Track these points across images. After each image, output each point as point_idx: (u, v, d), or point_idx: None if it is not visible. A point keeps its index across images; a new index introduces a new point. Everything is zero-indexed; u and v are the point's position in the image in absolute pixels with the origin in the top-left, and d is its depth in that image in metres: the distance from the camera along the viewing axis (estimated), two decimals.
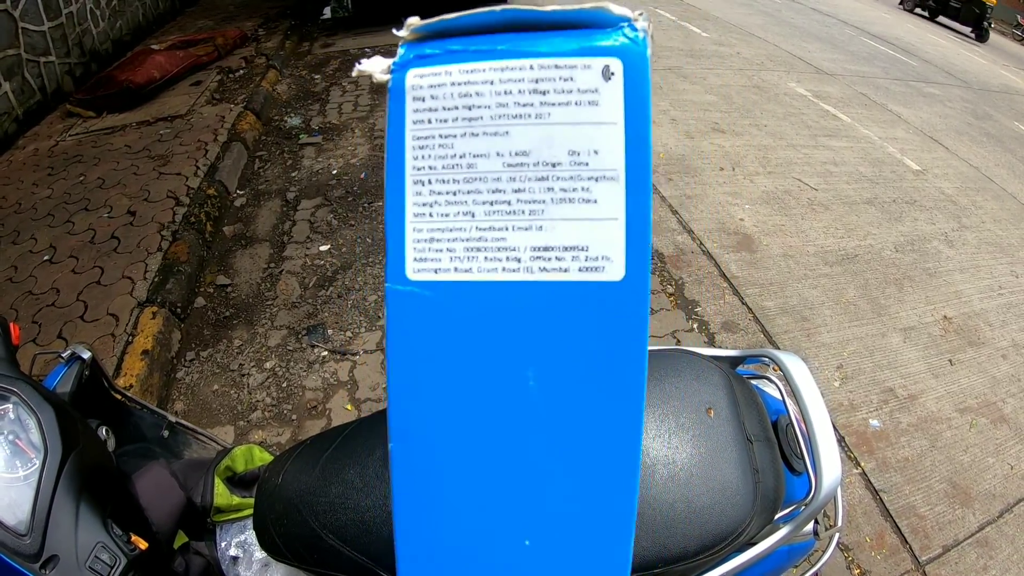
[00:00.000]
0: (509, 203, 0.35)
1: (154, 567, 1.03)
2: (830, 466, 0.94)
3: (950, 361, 3.01)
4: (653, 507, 0.88)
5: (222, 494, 1.28)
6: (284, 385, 2.74)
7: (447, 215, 0.37)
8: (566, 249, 0.34)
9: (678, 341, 2.97)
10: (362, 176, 4.22)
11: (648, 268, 0.34)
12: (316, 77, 5.99)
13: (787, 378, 1.05)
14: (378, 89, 4.43)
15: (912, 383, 2.87)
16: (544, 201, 0.35)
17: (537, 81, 0.32)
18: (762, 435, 1.02)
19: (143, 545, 0.91)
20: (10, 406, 0.92)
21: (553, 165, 0.34)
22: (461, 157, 0.35)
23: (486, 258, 0.36)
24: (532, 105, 0.32)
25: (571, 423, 0.36)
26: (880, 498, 2.41)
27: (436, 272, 0.37)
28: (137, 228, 3.45)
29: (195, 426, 1.59)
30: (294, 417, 2.62)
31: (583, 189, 0.34)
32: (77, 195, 3.85)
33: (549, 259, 0.35)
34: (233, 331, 3.02)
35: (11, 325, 1.09)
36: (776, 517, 0.99)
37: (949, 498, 2.44)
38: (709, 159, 4.53)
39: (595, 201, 0.34)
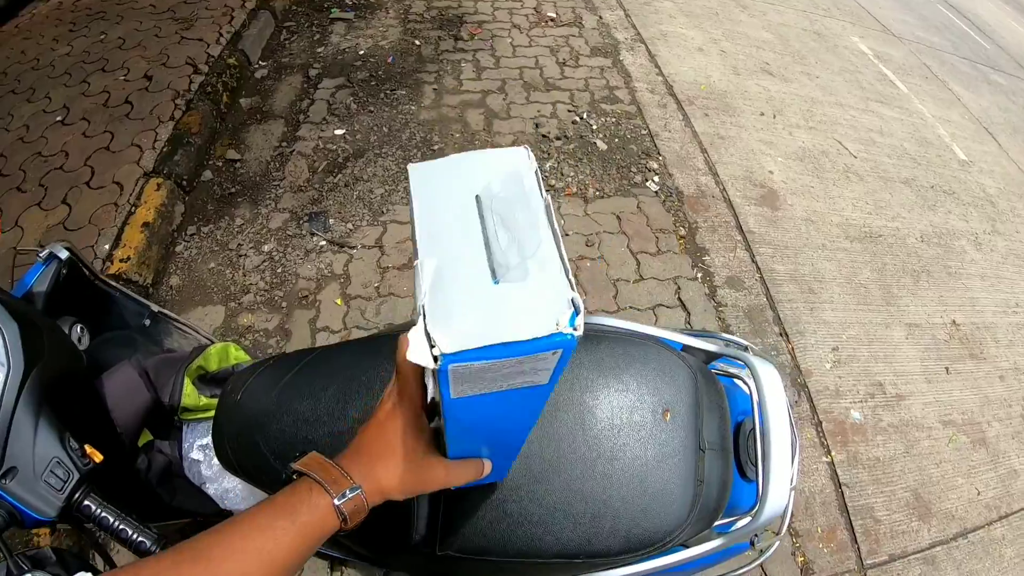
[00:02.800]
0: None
1: (114, 470, 1.06)
2: (776, 494, 0.88)
3: (947, 369, 2.76)
4: (585, 500, 0.85)
5: (190, 394, 1.24)
6: (279, 271, 2.62)
7: None
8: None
9: (678, 288, 2.75)
10: (389, 60, 3.89)
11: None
12: None
13: (757, 390, 0.96)
14: None
15: (903, 383, 2.64)
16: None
17: (522, 362, 0.42)
18: (718, 444, 0.96)
19: (98, 458, 0.92)
20: None
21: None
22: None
23: None
24: (523, 372, 0.44)
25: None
26: (842, 492, 2.26)
27: None
28: (152, 94, 3.23)
29: (178, 316, 1.51)
30: (284, 305, 2.51)
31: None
32: (96, 54, 3.60)
33: None
34: (236, 209, 2.87)
35: None
36: (715, 524, 0.96)
37: (909, 508, 2.28)
38: (751, 101, 4.10)
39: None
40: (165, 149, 2.89)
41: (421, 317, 0.40)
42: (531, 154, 0.52)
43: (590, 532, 0.84)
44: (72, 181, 2.74)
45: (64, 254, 1.19)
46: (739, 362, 1.08)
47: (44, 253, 1.17)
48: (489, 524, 0.86)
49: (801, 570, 2.09)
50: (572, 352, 0.42)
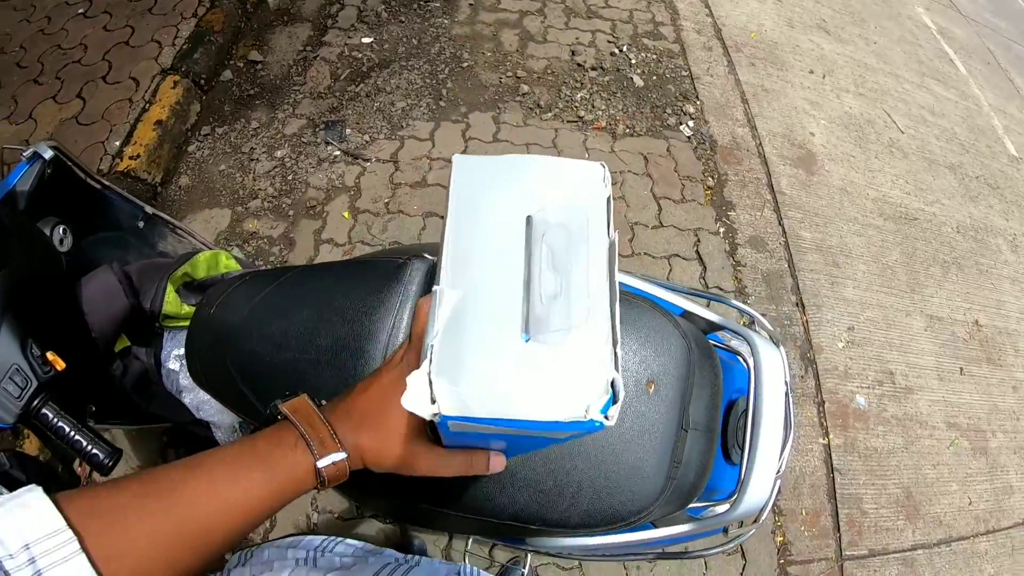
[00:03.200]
0: None
1: (87, 374, 1.07)
2: (757, 489, 0.84)
3: (961, 369, 2.61)
4: (548, 468, 0.80)
5: (172, 302, 1.22)
6: (289, 178, 2.50)
7: None
8: None
9: (698, 240, 2.60)
10: None
11: None
12: None
13: (756, 374, 0.90)
14: None
15: (915, 375, 2.50)
16: None
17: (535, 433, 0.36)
18: (703, 424, 0.89)
19: (60, 366, 0.91)
20: None
21: None
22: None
23: None
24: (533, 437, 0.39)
25: None
26: (833, 477, 2.17)
27: None
28: None
29: (174, 219, 1.46)
30: (291, 214, 2.40)
31: None
32: None
33: None
34: (253, 111, 2.73)
35: None
36: (689, 507, 0.92)
37: (897, 506, 2.19)
38: (802, 56, 3.81)
39: None
40: (185, 46, 2.77)
41: (427, 359, 0.33)
42: (608, 174, 0.41)
43: (549, 501, 0.79)
44: (88, 75, 2.67)
45: (49, 153, 1.14)
46: (742, 337, 1.00)
47: (28, 152, 1.13)
48: (452, 479, 0.81)
49: (778, 549, 2.03)
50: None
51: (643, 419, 0.82)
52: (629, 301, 0.89)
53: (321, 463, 0.49)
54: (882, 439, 2.30)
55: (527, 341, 0.34)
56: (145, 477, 0.47)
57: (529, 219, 0.38)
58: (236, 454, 0.50)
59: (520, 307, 0.35)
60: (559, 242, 0.37)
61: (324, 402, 0.55)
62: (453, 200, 0.39)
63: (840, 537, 2.07)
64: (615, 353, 0.34)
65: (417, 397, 0.33)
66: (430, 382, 0.33)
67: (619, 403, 0.33)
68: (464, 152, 2.69)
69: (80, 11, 2.96)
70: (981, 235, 3.24)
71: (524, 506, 0.79)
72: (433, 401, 0.33)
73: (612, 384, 0.33)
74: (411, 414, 0.36)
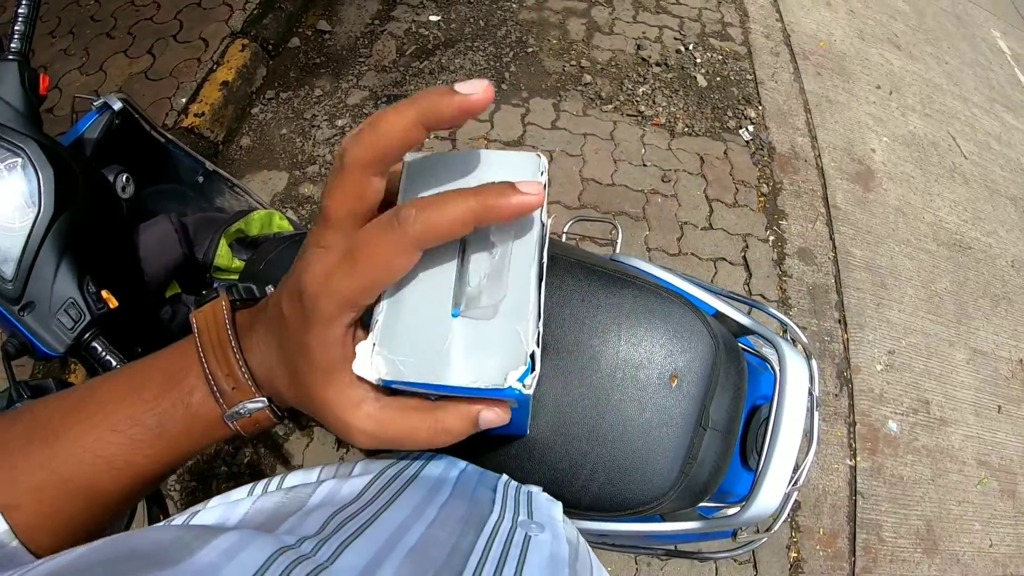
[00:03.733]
0: None
1: (137, 316, 1.10)
2: (767, 497, 0.81)
3: (999, 408, 2.50)
4: (567, 447, 0.78)
5: (224, 255, 1.25)
6: None
7: None
8: None
9: (746, 246, 2.54)
10: None
11: None
12: None
13: (780, 379, 0.87)
14: None
15: (950, 408, 2.42)
16: None
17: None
18: (723, 424, 0.86)
19: (113, 304, 0.94)
20: (19, 160, 0.94)
21: None
22: None
23: None
24: None
25: None
26: (855, 500, 2.11)
27: None
28: None
29: (232, 176, 1.49)
30: None
31: None
32: None
33: None
34: (318, 80, 2.74)
35: (41, 76, 1.05)
36: (700, 505, 0.89)
37: (917, 538, 2.12)
38: (871, 71, 3.67)
39: None
40: (256, 11, 2.79)
41: (373, 330, 0.37)
42: (544, 162, 0.42)
43: (563, 480, 0.78)
44: (159, 32, 2.72)
45: (118, 105, 1.16)
46: (769, 344, 0.96)
47: (98, 102, 1.15)
48: (467, 444, 0.79)
49: (791, 565, 1.99)
50: (528, 401, 0.39)
51: (663, 412, 0.80)
52: (659, 294, 0.86)
53: (230, 413, 0.39)
54: (910, 468, 2.23)
55: (455, 316, 0.37)
56: (38, 412, 0.40)
57: None
58: (125, 393, 0.39)
59: (452, 285, 0.37)
60: (497, 229, 0.39)
61: (248, 296, 0.44)
62: (403, 188, 0.41)
63: (855, 562, 2.02)
64: (537, 329, 0.37)
65: (363, 363, 0.36)
66: (373, 349, 0.36)
67: (536, 373, 0.37)
68: (522, 137, 2.70)
69: None
70: None
71: (538, 482, 0.77)
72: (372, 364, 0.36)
73: (531, 357, 0.37)
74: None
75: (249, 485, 0.42)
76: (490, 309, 0.37)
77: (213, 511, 0.37)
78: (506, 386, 0.36)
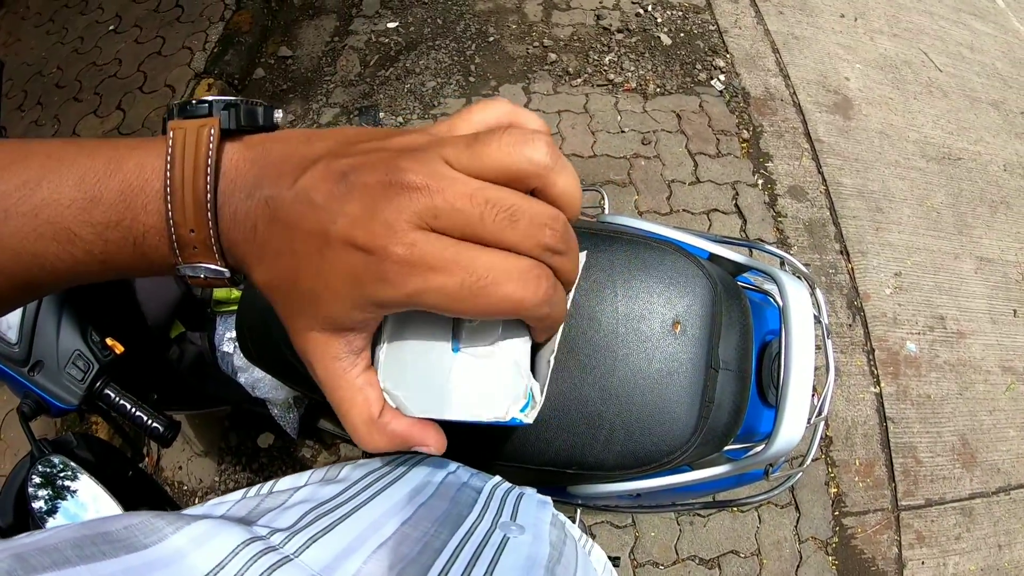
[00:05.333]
0: None
1: (145, 360, 1.12)
2: (790, 426, 0.78)
3: (1015, 312, 2.42)
4: (581, 410, 0.77)
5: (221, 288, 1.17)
6: None
7: None
8: None
9: (736, 194, 2.48)
10: None
11: None
12: None
13: (784, 310, 0.83)
14: None
15: (966, 319, 2.34)
16: None
17: None
18: (735, 364, 0.85)
19: (119, 349, 0.95)
20: None
21: None
22: None
23: None
24: None
25: None
26: (886, 426, 2.05)
27: None
28: None
29: None
30: None
31: None
32: None
33: None
34: (288, 105, 2.70)
35: None
36: (726, 449, 0.87)
37: (954, 454, 2.06)
38: (832, 1, 3.56)
39: None
40: (216, 49, 2.76)
41: (378, 366, 0.37)
42: None
43: (584, 444, 0.76)
44: (126, 87, 2.70)
45: None
46: (767, 275, 0.94)
47: None
48: (482, 429, 0.77)
49: (832, 501, 1.94)
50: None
51: (671, 360, 0.78)
52: (649, 244, 0.84)
53: (185, 265, 0.33)
54: (935, 386, 2.16)
55: (456, 352, 0.36)
56: None
57: None
58: (72, 200, 0.31)
59: (451, 321, 0.37)
60: None
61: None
62: None
63: (896, 487, 1.97)
64: (529, 368, 0.37)
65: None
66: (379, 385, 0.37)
67: (537, 404, 0.37)
68: None
69: (111, 28, 2.99)
70: None
71: (559, 451, 0.77)
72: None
73: (530, 391, 0.37)
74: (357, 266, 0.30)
75: (244, 489, 0.42)
76: (488, 345, 0.36)
77: (199, 507, 0.37)
78: (507, 418, 0.36)
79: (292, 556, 0.30)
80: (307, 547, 0.32)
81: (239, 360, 1.30)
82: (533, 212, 0.30)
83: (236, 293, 1.27)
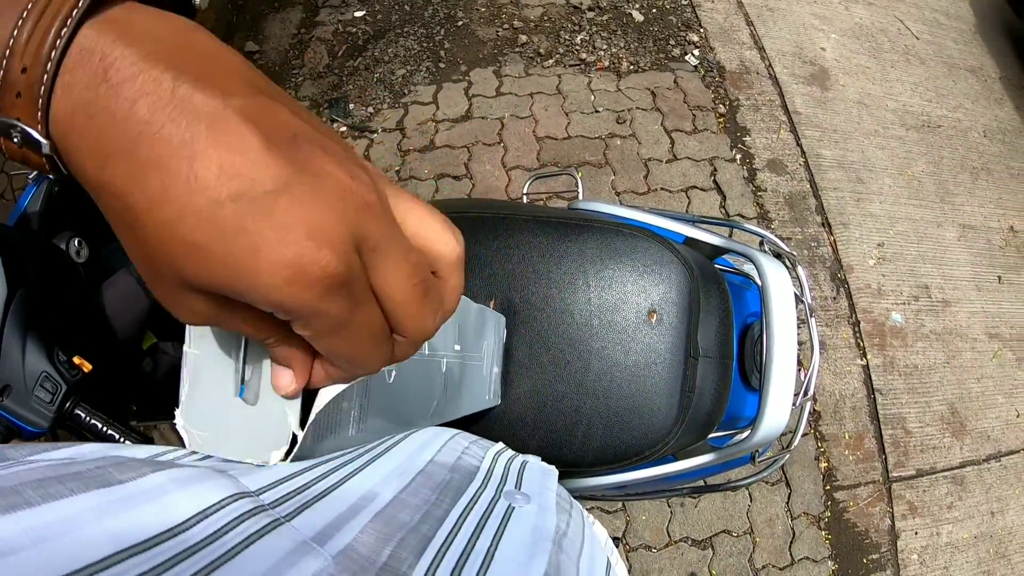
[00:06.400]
0: None
1: (118, 374, 1.07)
2: (775, 413, 0.76)
3: (999, 278, 2.39)
4: (557, 407, 0.76)
5: None
6: None
7: None
8: None
9: (714, 170, 2.42)
10: None
11: None
12: None
13: (763, 292, 0.81)
14: None
15: (951, 287, 2.30)
16: None
17: None
18: (715, 350, 0.83)
19: (86, 368, 0.91)
20: None
21: None
22: None
23: None
24: None
25: None
26: (874, 398, 2.02)
27: None
28: None
29: None
30: None
31: None
32: None
33: None
34: None
35: None
36: (711, 436, 0.88)
37: (943, 423, 2.03)
38: None
39: None
40: None
41: (179, 409, 0.37)
42: None
43: (561, 441, 0.75)
44: None
45: None
46: (745, 258, 0.91)
47: (33, 174, 1.09)
48: (462, 422, 0.75)
49: (823, 476, 1.90)
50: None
51: (648, 350, 0.77)
52: (621, 232, 0.82)
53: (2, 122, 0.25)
54: (922, 355, 2.12)
55: (242, 395, 0.36)
56: None
57: None
58: None
59: (239, 366, 0.37)
60: None
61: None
62: None
63: (886, 459, 1.93)
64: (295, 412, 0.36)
65: (181, 432, 0.37)
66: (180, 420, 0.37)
67: (296, 448, 0.36)
68: (469, 110, 2.56)
69: None
70: (1010, 137, 2.95)
71: (537, 449, 0.75)
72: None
73: (293, 436, 0.36)
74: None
75: None
76: (253, 393, 0.37)
77: (174, 452, 0.33)
78: (271, 464, 0.36)
79: (283, 520, 0.27)
80: (300, 512, 0.28)
81: None
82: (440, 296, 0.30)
83: None
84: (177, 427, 0.36)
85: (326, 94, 2.57)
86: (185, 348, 0.37)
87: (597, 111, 2.53)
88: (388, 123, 2.46)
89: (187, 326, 0.35)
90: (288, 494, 0.30)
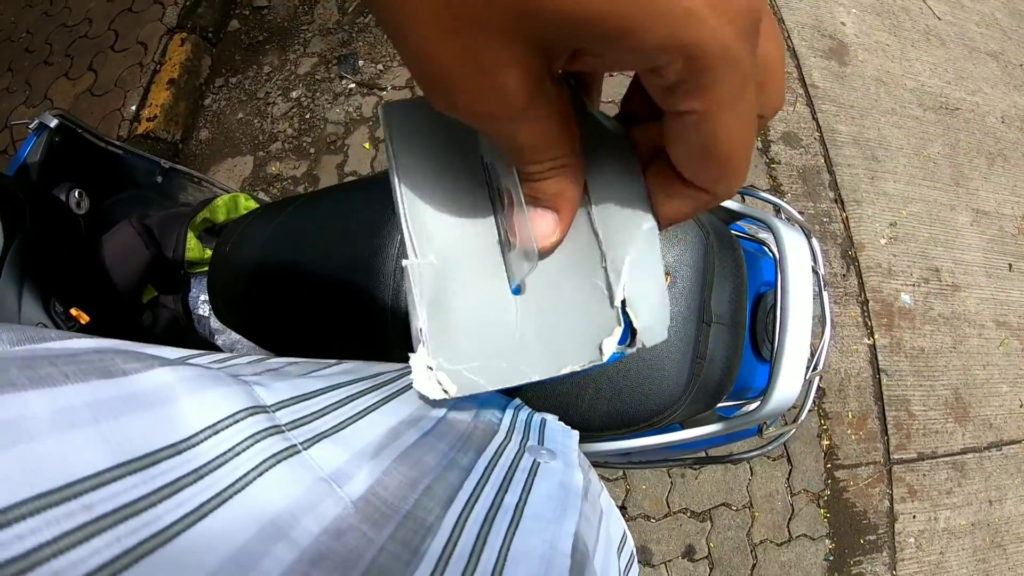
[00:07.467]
0: None
1: (111, 329, 1.05)
2: (786, 384, 0.73)
3: (1010, 266, 2.35)
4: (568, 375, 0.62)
5: (194, 248, 1.20)
6: (307, 116, 2.35)
7: None
8: None
9: None
10: None
11: None
12: None
13: (780, 260, 0.78)
14: None
15: (961, 272, 2.27)
16: None
17: None
18: (728, 317, 0.80)
19: (84, 319, 0.92)
20: None
21: None
22: None
23: None
24: None
25: None
26: (879, 379, 2.00)
27: None
28: None
29: (191, 170, 1.43)
30: (312, 151, 2.27)
31: None
32: None
33: None
34: (264, 56, 2.54)
35: None
36: (719, 406, 0.85)
37: (947, 408, 2.01)
38: None
39: None
40: (188, 3, 2.58)
41: (422, 345, 0.27)
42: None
43: (567, 404, 0.73)
44: (97, 47, 2.54)
45: (54, 122, 1.12)
46: (763, 224, 0.87)
47: (33, 124, 1.12)
48: None
49: (824, 454, 1.89)
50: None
51: None
52: None
53: None
54: (929, 339, 2.10)
55: (517, 293, 0.28)
56: None
57: (484, 163, 0.28)
58: None
59: (501, 262, 0.28)
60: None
61: None
62: (397, 158, 0.28)
63: (888, 440, 1.92)
64: (613, 285, 0.26)
65: (425, 382, 0.28)
66: (432, 366, 0.28)
67: (640, 334, 0.27)
68: None
69: None
70: None
71: (541, 410, 0.70)
72: (440, 383, 0.28)
73: (623, 313, 0.26)
74: None
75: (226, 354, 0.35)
76: (555, 270, 0.27)
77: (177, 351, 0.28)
78: (605, 360, 0.27)
79: (299, 449, 0.23)
80: (316, 441, 0.25)
81: (215, 322, 1.23)
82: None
83: (209, 252, 1.21)
84: (416, 381, 0.28)
85: (335, 50, 2.52)
86: (408, 262, 0.28)
87: (611, 75, 2.48)
88: (398, 80, 2.41)
89: (403, 220, 0.27)
90: (304, 417, 0.26)
